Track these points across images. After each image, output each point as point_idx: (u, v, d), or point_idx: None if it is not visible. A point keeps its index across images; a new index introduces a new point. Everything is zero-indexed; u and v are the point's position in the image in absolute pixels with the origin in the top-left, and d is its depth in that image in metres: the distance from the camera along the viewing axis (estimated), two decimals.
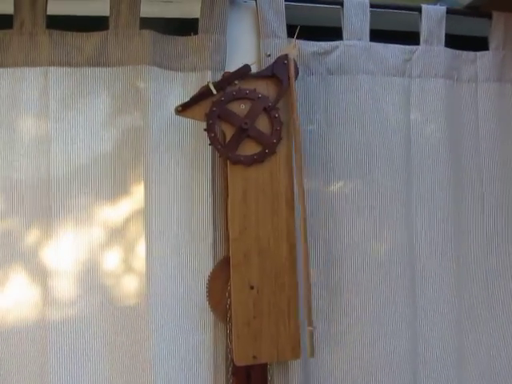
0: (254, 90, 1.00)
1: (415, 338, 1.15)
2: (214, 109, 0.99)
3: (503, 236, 1.21)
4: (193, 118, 1.01)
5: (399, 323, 1.12)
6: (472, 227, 1.20)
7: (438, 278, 1.16)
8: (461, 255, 1.19)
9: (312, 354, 0.98)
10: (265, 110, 1.00)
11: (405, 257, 1.14)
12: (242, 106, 1.00)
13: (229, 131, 1.00)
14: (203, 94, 1.00)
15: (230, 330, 1.01)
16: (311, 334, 0.97)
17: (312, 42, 1.11)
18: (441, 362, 1.16)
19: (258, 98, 1.00)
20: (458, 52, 1.20)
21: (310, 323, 0.98)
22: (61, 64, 1.01)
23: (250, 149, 1.00)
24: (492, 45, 1.22)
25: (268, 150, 1.00)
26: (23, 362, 0.99)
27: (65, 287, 1.00)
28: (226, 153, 0.99)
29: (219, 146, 0.99)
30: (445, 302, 1.16)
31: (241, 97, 1.00)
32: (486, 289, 1.20)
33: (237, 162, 0.99)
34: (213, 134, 0.99)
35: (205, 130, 0.99)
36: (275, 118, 1.01)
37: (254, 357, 1.00)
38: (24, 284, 1.00)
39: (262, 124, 1.01)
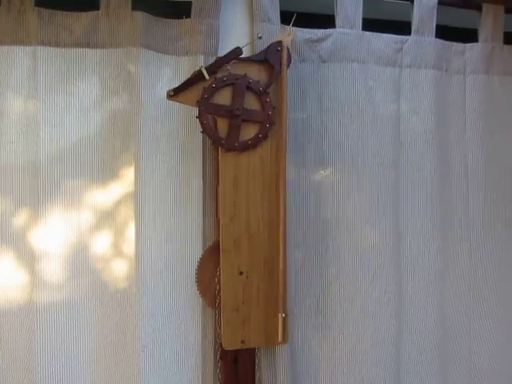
0: (228, 72, 0.99)
1: (400, 324, 1.18)
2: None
3: (487, 222, 1.24)
4: (184, 102, 1.00)
5: (385, 309, 1.15)
6: (457, 215, 1.22)
7: (423, 265, 1.19)
8: (446, 242, 1.22)
9: (284, 340, 1.00)
10: (256, 94, 1.00)
11: (392, 244, 1.16)
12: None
13: (221, 119, 0.99)
14: (195, 79, 0.99)
15: (219, 315, 1.02)
16: (283, 320, 0.99)
17: (305, 29, 1.11)
18: (424, 347, 1.19)
19: (236, 79, 0.98)
20: (447, 43, 1.22)
21: (283, 310, 0.99)
22: (50, 44, 0.99)
23: (249, 131, 0.99)
24: (481, 37, 1.24)
25: (268, 123, 0.99)
26: (10, 345, 0.98)
27: (53, 271, 1.00)
28: (231, 145, 0.98)
29: (222, 141, 0.97)
30: (429, 288, 1.19)
31: (218, 87, 0.98)
32: (470, 274, 1.23)
33: (246, 148, 0.98)
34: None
35: (197, 117, 0.98)
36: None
37: (243, 341, 1.01)
38: (12, 267, 0.99)
39: (249, 101, 1.00)
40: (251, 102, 1.00)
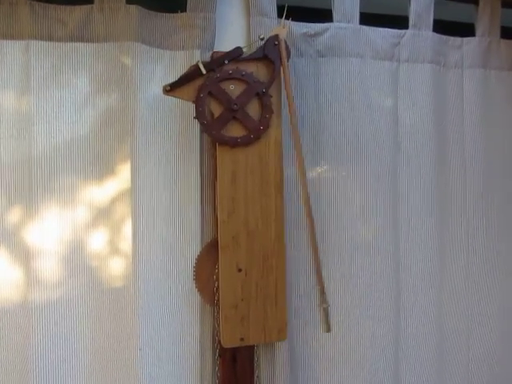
0: (252, 73, 0.98)
1: (399, 321, 1.17)
2: (204, 88, 0.96)
3: (484, 218, 1.24)
4: (181, 97, 0.98)
5: (383, 304, 1.15)
6: (455, 210, 1.23)
7: (421, 261, 1.19)
8: (444, 235, 1.22)
9: (328, 330, 0.99)
10: (257, 94, 0.99)
11: (390, 239, 1.16)
12: (232, 87, 0.99)
13: (217, 111, 0.98)
14: (192, 74, 0.97)
15: (218, 313, 1.01)
16: (326, 312, 0.98)
17: (302, 23, 1.10)
18: (423, 342, 1.19)
19: (254, 82, 0.98)
20: (444, 37, 1.21)
21: (324, 301, 0.99)
22: (43, 38, 0.97)
23: (236, 131, 0.99)
24: (478, 31, 1.24)
25: (253, 135, 0.99)
26: (5, 345, 0.97)
27: (49, 269, 0.98)
28: (209, 130, 0.97)
29: (204, 122, 0.97)
30: (427, 283, 1.19)
31: (232, 77, 0.98)
32: (467, 272, 1.24)
33: (220, 141, 0.97)
34: (200, 109, 0.96)
35: (195, 118, 0.97)
36: (266, 105, 0.99)
37: (242, 339, 1.00)
38: (6, 266, 0.97)
39: (252, 107, 0.99)
40: (252, 107, 0.99)
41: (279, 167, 1.01)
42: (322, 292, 0.99)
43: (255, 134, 0.99)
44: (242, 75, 0.98)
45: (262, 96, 0.99)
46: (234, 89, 0.98)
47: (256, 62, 1.00)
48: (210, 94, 0.97)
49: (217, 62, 0.98)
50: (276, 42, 0.99)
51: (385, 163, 1.16)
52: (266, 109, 0.99)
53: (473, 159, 1.23)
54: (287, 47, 1.00)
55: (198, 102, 0.96)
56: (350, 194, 1.14)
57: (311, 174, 1.13)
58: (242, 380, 1.05)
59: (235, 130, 0.99)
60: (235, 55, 0.98)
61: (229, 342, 1.00)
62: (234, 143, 0.98)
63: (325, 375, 1.12)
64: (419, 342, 1.19)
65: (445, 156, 1.22)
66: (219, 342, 1.01)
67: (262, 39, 1.00)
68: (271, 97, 0.99)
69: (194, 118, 0.97)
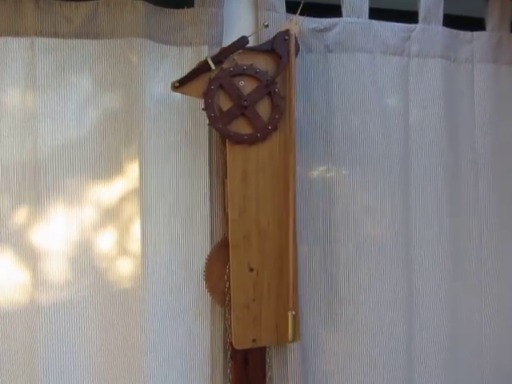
0: (266, 71, 0.97)
1: (411, 320, 1.15)
2: (216, 80, 0.94)
3: (497, 214, 1.22)
4: (189, 94, 0.96)
5: (395, 305, 1.12)
6: (467, 208, 1.21)
7: (432, 258, 1.17)
8: (456, 235, 1.20)
9: (295, 339, 0.96)
10: (269, 93, 0.97)
11: (401, 239, 1.14)
12: (242, 83, 0.97)
13: (226, 106, 0.96)
14: (201, 70, 0.95)
15: (229, 313, 0.98)
16: (294, 318, 0.96)
17: (311, 18, 1.08)
18: (436, 343, 1.17)
19: (267, 80, 0.96)
20: (455, 32, 1.20)
21: (294, 308, 0.96)
22: (48, 35, 0.96)
23: (243, 127, 0.97)
24: (488, 26, 1.22)
25: (260, 134, 0.97)
26: (12, 347, 0.95)
27: (56, 270, 0.96)
28: (216, 123, 0.95)
29: (212, 114, 0.95)
30: (440, 281, 1.17)
31: (245, 73, 0.96)
32: (480, 269, 1.22)
33: (226, 135, 0.95)
34: (210, 101, 0.94)
35: (203, 109, 0.95)
36: (277, 105, 0.97)
37: (254, 340, 0.98)
38: (13, 267, 0.95)
39: (263, 106, 0.97)
40: (262, 106, 0.97)
41: (291, 165, 0.99)
42: (294, 299, 0.97)
43: (262, 133, 0.97)
44: (256, 72, 0.96)
45: (274, 96, 0.97)
46: (243, 85, 0.97)
47: (265, 56, 0.98)
48: (221, 86, 0.95)
49: (224, 53, 0.96)
50: (286, 38, 0.98)
51: (395, 159, 1.14)
52: (276, 109, 0.97)
53: (484, 153, 1.21)
54: (297, 44, 0.98)
55: (208, 94, 0.94)
56: (360, 193, 1.11)
57: (319, 171, 1.11)
58: (254, 382, 1.02)
59: (242, 127, 0.97)
60: (241, 45, 0.96)
61: (240, 344, 0.98)
62: (239, 139, 0.96)
63: (337, 377, 1.10)
64: (432, 342, 1.16)
65: (456, 151, 1.19)
66: (231, 343, 0.99)
67: (266, 26, 0.99)
68: (283, 98, 0.97)
69: (203, 109, 0.95)
